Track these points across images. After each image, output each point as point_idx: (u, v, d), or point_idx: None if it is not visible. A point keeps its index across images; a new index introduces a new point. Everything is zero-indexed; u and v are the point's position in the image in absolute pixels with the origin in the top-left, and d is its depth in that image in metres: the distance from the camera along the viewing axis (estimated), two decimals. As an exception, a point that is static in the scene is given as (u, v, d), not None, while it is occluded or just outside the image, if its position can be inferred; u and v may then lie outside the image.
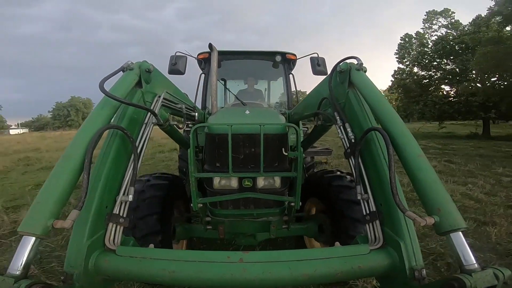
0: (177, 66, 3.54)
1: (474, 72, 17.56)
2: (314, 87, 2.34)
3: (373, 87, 1.57)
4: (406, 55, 26.58)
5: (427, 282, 1.17)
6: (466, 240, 1.11)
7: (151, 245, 1.46)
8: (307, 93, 2.72)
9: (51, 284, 1.01)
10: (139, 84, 1.69)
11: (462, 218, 1.13)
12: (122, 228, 1.42)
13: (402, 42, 27.75)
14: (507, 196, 4.95)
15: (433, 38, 24.03)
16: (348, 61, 1.74)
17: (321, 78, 2.34)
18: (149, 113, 1.71)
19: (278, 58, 3.81)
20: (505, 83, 15.50)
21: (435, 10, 25.12)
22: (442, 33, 23.26)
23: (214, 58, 2.91)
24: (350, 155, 1.62)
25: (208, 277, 1.18)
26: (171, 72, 3.55)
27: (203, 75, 4.05)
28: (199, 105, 3.93)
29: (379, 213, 1.43)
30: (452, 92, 22.30)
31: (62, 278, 1.14)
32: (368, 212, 1.49)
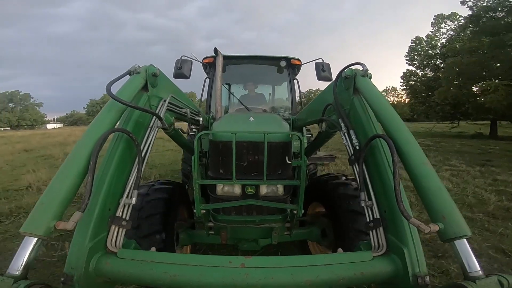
0: (182, 70, 3.58)
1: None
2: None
3: (378, 93, 1.56)
4: (416, 57, 27.07)
5: None
6: (470, 247, 1.10)
7: (153, 248, 1.45)
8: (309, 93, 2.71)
9: (51, 285, 1.01)
10: (145, 87, 1.70)
11: (467, 225, 1.12)
12: (124, 230, 1.42)
13: (412, 44, 28.18)
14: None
15: (443, 41, 24.69)
16: (353, 67, 1.74)
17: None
18: (154, 117, 1.72)
19: (283, 63, 3.82)
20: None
21: (443, 14, 25.79)
22: (451, 35, 24.09)
23: (219, 63, 2.93)
24: (355, 162, 1.61)
25: (209, 282, 1.17)
26: (176, 76, 3.59)
27: (208, 79, 4.08)
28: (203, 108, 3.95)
29: (383, 220, 1.42)
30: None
31: (62, 279, 1.14)
32: (371, 219, 1.48)
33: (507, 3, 11.70)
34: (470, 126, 24.64)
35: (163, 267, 1.21)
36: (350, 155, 1.66)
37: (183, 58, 3.64)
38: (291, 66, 4.01)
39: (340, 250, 1.50)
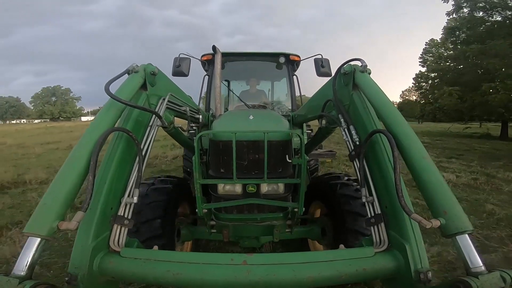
0: (180, 68, 3.56)
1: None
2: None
3: (377, 89, 1.56)
4: (429, 58, 27.13)
5: (432, 285, 1.16)
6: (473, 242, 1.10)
7: (155, 247, 1.46)
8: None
9: (55, 285, 1.02)
10: (144, 86, 1.69)
11: (469, 220, 1.12)
12: (126, 229, 1.42)
13: (427, 47, 28.12)
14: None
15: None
16: (352, 63, 1.74)
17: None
18: (154, 116, 1.72)
19: (282, 59, 3.80)
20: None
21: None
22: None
23: (218, 61, 2.92)
24: (355, 158, 1.61)
25: (212, 279, 1.18)
26: (175, 74, 3.57)
27: (207, 76, 4.07)
28: (202, 105, 3.95)
29: (384, 216, 1.42)
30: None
31: (66, 279, 1.14)
32: (373, 214, 1.48)
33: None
34: (490, 127, 24.48)
35: (166, 266, 1.22)
36: (350, 150, 1.66)
37: (181, 56, 3.62)
38: (290, 62, 4.00)
39: (342, 246, 1.50)
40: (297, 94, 4.10)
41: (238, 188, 1.91)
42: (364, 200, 1.51)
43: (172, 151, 9.98)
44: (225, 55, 3.58)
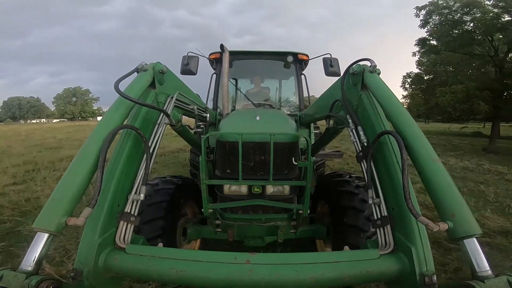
0: (189, 66, 3.58)
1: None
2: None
3: (386, 89, 1.54)
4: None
5: None
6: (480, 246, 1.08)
7: (160, 244, 1.47)
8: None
9: (61, 281, 1.03)
10: (152, 85, 1.71)
11: (478, 224, 1.10)
12: (132, 226, 1.44)
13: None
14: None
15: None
16: (361, 63, 1.72)
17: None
18: (162, 114, 1.73)
19: (290, 58, 3.77)
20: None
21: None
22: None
23: (226, 59, 2.92)
24: (362, 159, 1.59)
25: (214, 277, 1.19)
26: (183, 72, 3.59)
27: (214, 75, 4.08)
28: (210, 104, 3.96)
29: (390, 218, 1.41)
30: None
31: (72, 274, 1.16)
32: (379, 216, 1.46)
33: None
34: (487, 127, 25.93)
35: (170, 263, 1.23)
36: (358, 151, 1.64)
37: (189, 54, 3.64)
38: (298, 61, 3.97)
39: (346, 248, 1.49)
40: (305, 94, 4.07)
41: (243, 189, 1.93)
42: (370, 201, 1.49)
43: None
44: (233, 53, 3.57)
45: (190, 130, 2.27)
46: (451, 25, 13.48)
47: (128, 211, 1.43)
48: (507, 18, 11.67)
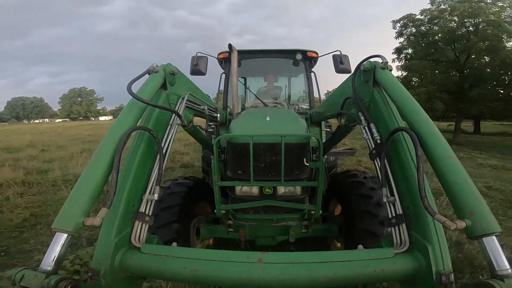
0: (198, 67, 3.60)
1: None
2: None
3: (399, 85, 1.50)
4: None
5: (455, 287, 1.11)
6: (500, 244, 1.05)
7: (174, 243, 1.49)
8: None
9: (79, 280, 1.05)
10: (164, 86, 1.73)
11: (497, 221, 1.07)
12: (147, 226, 1.46)
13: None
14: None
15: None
16: (372, 59, 1.69)
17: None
18: (174, 115, 1.75)
19: (299, 56, 3.73)
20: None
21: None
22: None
23: (234, 59, 2.92)
24: (376, 157, 1.56)
25: (227, 276, 1.19)
26: (193, 73, 3.62)
27: (224, 74, 4.09)
28: (219, 103, 3.98)
29: (406, 216, 1.38)
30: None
31: (89, 274, 1.18)
32: (394, 215, 1.44)
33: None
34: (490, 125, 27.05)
35: (183, 262, 1.24)
36: (371, 149, 1.61)
37: (198, 54, 3.66)
38: (308, 59, 3.93)
39: (360, 246, 1.47)
40: (315, 92, 4.03)
41: (255, 190, 1.94)
42: (385, 200, 1.47)
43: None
44: (242, 52, 3.57)
45: (201, 130, 2.29)
46: (420, 36, 16.35)
47: (143, 211, 1.45)
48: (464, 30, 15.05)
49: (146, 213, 1.46)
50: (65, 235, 1.08)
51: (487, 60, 14.77)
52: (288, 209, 1.98)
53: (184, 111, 1.85)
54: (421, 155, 1.21)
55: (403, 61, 17.79)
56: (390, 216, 1.45)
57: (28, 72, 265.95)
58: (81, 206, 1.12)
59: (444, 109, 14.69)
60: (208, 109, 2.22)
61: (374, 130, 1.60)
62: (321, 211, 1.91)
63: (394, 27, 17.86)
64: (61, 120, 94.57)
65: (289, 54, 3.90)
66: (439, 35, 15.57)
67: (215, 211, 1.97)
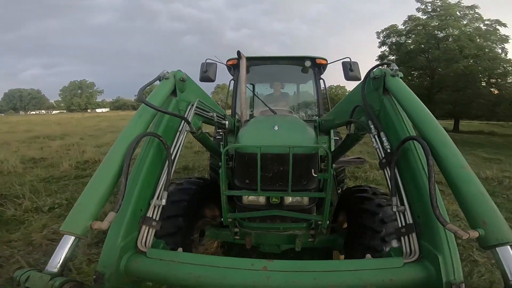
0: (207, 73, 3.64)
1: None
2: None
3: (410, 93, 1.49)
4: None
5: None
6: None
7: (180, 249, 1.49)
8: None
9: (83, 283, 1.05)
10: (174, 92, 1.75)
11: (511, 231, 1.03)
12: (154, 231, 1.46)
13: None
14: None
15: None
16: (382, 67, 1.68)
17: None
18: (183, 121, 1.77)
19: (308, 63, 3.72)
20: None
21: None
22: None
23: (243, 66, 2.95)
24: (386, 166, 1.54)
25: (231, 283, 1.18)
26: (202, 79, 3.66)
27: (233, 81, 4.12)
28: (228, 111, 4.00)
29: (416, 226, 1.35)
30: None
31: (94, 277, 1.18)
32: (404, 224, 1.41)
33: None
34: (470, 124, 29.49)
35: (188, 268, 1.24)
36: (381, 158, 1.59)
37: (208, 61, 3.70)
38: (317, 66, 3.93)
39: (368, 256, 1.44)
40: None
41: (262, 199, 1.95)
42: (394, 209, 1.44)
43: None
44: (250, 59, 3.60)
45: (210, 137, 2.31)
46: (398, 46, 19.91)
47: (150, 215, 1.46)
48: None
49: (153, 218, 1.47)
50: (73, 238, 1.09)
51: (446, 70, 18.19)
52: (295, 218, 1.97)
53: (193, 118, 1.87)
54: (432, 164, 1.19)
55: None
56: (400, 226, 1.42)
57: (22, 63, 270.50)
58: (89, 210, 1.13)
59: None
60: (217, 116, 2.24)
61: (384, 139, 1.58)
62: (328, 222, 1.89)
63: (378, 37, 21.11)
64: (58, 111, 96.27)
65: (298, 60, 3.90)
66: (412, 46, 19.15)
67: (222, 219, 1.98)
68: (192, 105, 1.88)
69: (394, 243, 1.84)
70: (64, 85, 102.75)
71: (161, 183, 1.55)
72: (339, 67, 3.80)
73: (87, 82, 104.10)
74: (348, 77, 3.63)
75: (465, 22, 18.42)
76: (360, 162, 4.38)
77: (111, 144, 1.43)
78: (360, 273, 1.20)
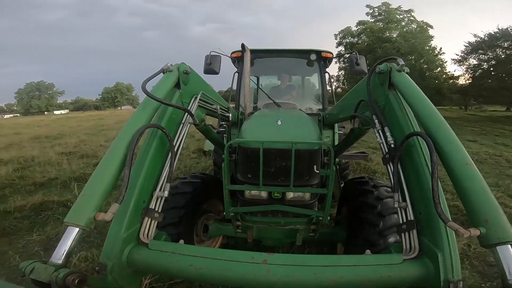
0: (212, 66, 3.61)
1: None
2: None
3: (416, 89, 1.46)
4: None
5: None
6: None
7: (181, 241, 1.51)
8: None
9: (87, 274, 1.06)
10: (177, 85, 1.75)
11: None
12: (156, 222, 1.48)
13: None
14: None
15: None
16: (388, 62, 1.65)
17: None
18: (186, 113, 1.77)
19: (313, 56, 3.66)
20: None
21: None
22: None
23: (247, 59, 2.92)
24: (389, 161, 1.53)
25: (231, 276, 1.20)
26: (206, 72, 3.63)
27: (237, 73, 4.08)
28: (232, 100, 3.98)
29: (417, 222, 1.35)
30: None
31: (96, 268, 1.20)
32: (405, 220, 1.41)
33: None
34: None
35: (190, 260, 1.25)
36: (384, 153, 1.58)
37: (212, 53, 3.67)
38: (322, 59, 3.87)
39: (368, 251, 1.45)
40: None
41: (264, 193, 1.96)
42: (396, 205, 1.44)
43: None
44: (254, 52, 3.56)
45: (213, 129, 2.31)
46: (350, 46, 22.35)
47: (153, 207, 1.47)
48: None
49: (156, 209, 1.48)
50: (77, 230, 1.11)
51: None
52: (297, 213, 1.98)
53: (196, 110, 1.87)
54: (436, 161, 1.18)
55: (342, 64, 25.36)
56: (401, 222, 1.42)
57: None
58: (93, 202, 1.15)
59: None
60: (220, 108, 2.24)
61: (388, 134, 1.57)
62: (328, 217, 1.91)
63: (335, 38, 24.14)
64: (11, 115, 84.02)
65: (303, 54, 3.86)
66: (365, 45, 21.58)
67: (224, 212, 2.01)
68: (196, 97, 1.88)
69: (392, 238, 1.85)
70: (20, 87, 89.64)
71: (164, 175, 1.56)
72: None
73: (46, 83, 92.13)
74: (354, 71, 3.59)
75: (403, 24, 21.97)
76: (364, 156, 4.36)
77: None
78: (359, 269, 1.21)
